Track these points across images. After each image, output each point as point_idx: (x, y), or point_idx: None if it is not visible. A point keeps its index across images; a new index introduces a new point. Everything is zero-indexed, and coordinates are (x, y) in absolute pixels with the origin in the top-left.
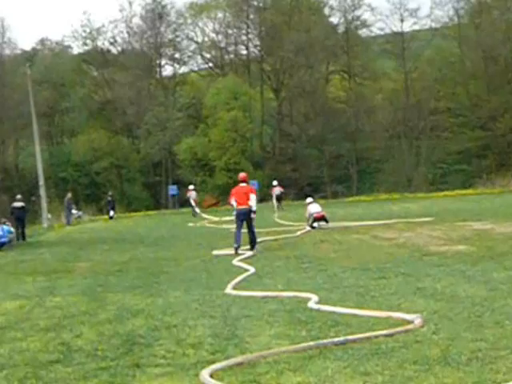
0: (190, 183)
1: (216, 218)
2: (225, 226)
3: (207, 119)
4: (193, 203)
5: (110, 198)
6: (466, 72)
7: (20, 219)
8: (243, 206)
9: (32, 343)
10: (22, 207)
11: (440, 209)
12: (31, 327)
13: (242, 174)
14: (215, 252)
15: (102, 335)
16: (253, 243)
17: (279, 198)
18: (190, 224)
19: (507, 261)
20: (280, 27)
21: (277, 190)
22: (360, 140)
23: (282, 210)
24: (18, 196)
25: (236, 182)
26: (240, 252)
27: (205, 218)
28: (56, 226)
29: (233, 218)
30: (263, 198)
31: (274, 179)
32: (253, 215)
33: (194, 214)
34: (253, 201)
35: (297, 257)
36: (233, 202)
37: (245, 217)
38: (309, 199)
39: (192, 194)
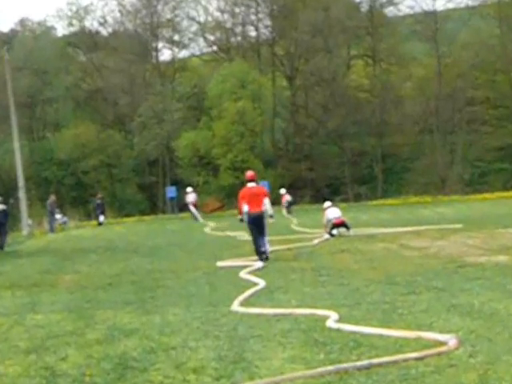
0: (190, 185)
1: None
2: (229, 233)
3: (211, 111)
4: (191, 208)
5: (98, 201)
6: (507, 57)
7: (1, 224)
8: (256, 210)
9: (11, 367)
10: (3, 210)
11: (478, 213)
12: (9, 349)
13: (249, 173)
14: (220, 263)
15: (90, 358)
16: (260, 253)
17: (289, 207)
18: (207, 229)
19: None
20: (294, 5)
21: (286, 199)
22: (386, 135)
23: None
24: None
25: (243, 183)
26: (247, 263)
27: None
28: (37, 233)
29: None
30: (274, 201)
31: (281, 187)
32: (271, 220)
33: (196, 219)
34: (268, 204)
35: (313, 269)
36: (245, 207)
37: (259, 222)
38: (327, 203)
39: (190, 197)
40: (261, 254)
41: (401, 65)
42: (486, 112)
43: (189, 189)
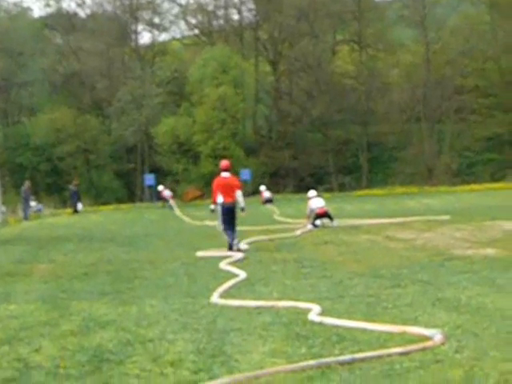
0: (165, 176)
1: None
2: (208, 222)
3: (191, 96)
4: (171, 202)
5: (74, 189)
6: (497, 44)
7: None
8: (230, 201)
9: None
10: None
11: (465, 205)
12: None
13: (224, 162)
14: (199, 253)
15: (64, 350)
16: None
17: (266, 204)
18: (186, 218)
19: None
20: None
21: (265, 196)
22: (372, 123)
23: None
24: None
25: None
26: (229, 253)
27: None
28: (11, 221)
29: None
30: (256, 190)
31: (260, 184)
32: (242, 213)
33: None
34: (240, 197)
35: (296, 260)
36: (220, 198)
37: (232, 214)
38: (311, 192)
39: (166, 194)
40: (232, 246)
41: (388, 51)
42: (475, 101)
43: (160, 187)
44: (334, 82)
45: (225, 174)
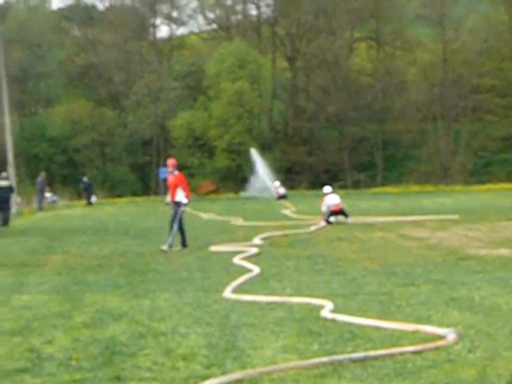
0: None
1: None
2: (222, 217)
3: (208, 90)
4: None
5: (88, 181)
6: None
7: (4, 201)
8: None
9: None
10: (7, 187)
11: (480, 205)
12: None
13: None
14: (213, 248)
15: (77, 342)
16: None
17: (280, 200)
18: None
19: None
20: None
21: (280, 191)
22: (388, 121)
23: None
24: (3, 174)
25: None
26: (243, 249)
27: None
28: (26, 212)
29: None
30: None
31: (276, 180)
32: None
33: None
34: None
35: (310, 257)
36: (182, 196)
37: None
38: (327, 188)
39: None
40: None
41: (405, 49)
42: (492, 100)
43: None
44: (350, 79)
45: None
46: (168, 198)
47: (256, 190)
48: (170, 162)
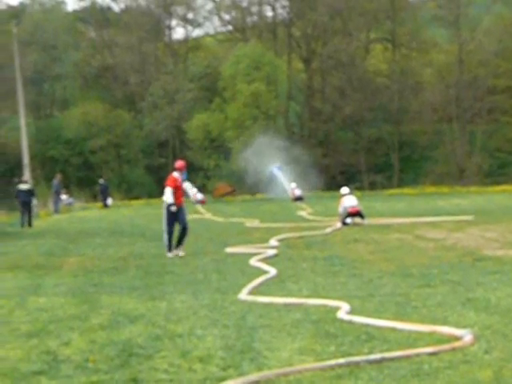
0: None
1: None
2: (237, 219)
3: (224, 92)
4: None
5: (104, 183)
6: None
7: (26, 203)
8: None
9: (12, 351)
10: (29, 190)
11: (496, 206)
12: (10, 332)
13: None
14: (229, 249)
15: (93, 343)
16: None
17: (296, 201)
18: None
19: None
20: None
21: (296, 193)
22: (404, 122)
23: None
24: (24, 178)
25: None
26: (259, 250)
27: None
28: (42, 214)
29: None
30: None
31: (293, 182)
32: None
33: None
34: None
35: (326, 258)
36: (172, 198)
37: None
38: (344, 189)
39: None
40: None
41: (421, 50)
42: (508, 101)
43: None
44: (366, 80)
45: (177, 174)
46: (193, 198)
47: (273, 192)
48: (183, 164)
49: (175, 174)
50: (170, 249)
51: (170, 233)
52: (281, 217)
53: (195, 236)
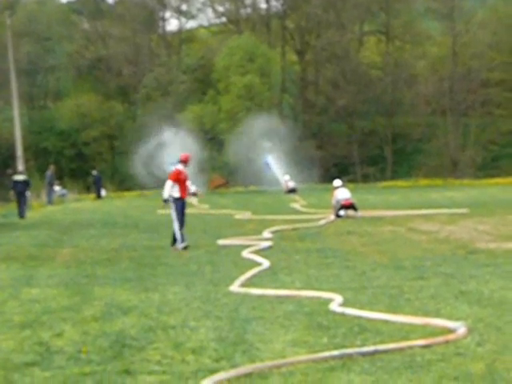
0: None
1: None
2: (230, 211)
3: (217, 84)
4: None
5: (96, 174)
6: None
7: (21, 194)
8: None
9: (4, 342)
10: (24, 181)
11: (489, 198)
12: (3, 323)
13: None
14: (221, 242)
15: (86, 335)
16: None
17: (289, 193)
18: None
19: None
20: None
21: (290, 185)
22: (398, 114)
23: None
24: (20, 168)
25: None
26: (251, 243)
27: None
28: (35, 205)
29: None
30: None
31: (286, 174)
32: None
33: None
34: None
35: (319, 250)
36: (178, 192)
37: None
38: (337, 182)
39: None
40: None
41: (415, 42)
42: (501, 94)
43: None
44: (360, 72)
45: (182, 167)
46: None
47: (267, 184)
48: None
49: (179, 167)
50: (182, 240)
51: (182, 224)
52: (274, 209)
53: (188, 227)
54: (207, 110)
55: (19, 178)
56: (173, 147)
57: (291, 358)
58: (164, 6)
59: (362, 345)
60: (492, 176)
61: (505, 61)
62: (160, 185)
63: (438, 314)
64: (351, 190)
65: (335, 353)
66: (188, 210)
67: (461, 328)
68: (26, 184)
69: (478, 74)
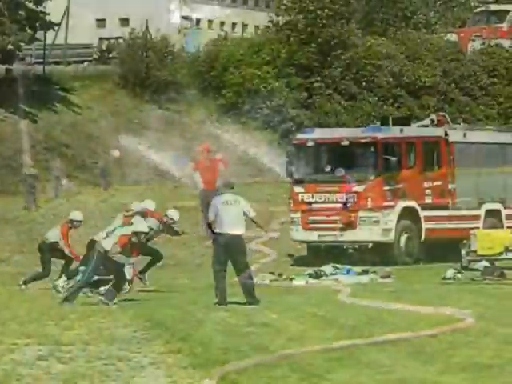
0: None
1: None
2: None
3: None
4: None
5: (103, 167)
6: None
7: (32, 187)
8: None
9: None
10: (34, 175)
11: None
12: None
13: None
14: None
15: None
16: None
17: None
18: None
19: None
20: None
21: None
22: None
23: None
24: (29, 162)
25: None
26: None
27: None
28: (42, 199)
29: None
30: None
31: None
32: None
33: None
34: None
35: None
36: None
37: None
38: None
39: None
40: None
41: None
42: None
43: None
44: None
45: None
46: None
47: None
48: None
49: (201, 157)
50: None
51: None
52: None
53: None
54: None
55: (30, 171)
56: None
57: (299, 349)
58: None
59: (371, 335)
60: None
61: None
62: None
63: (444, 304)
64: None
65: (343, 343)
66: None
67: (467, 318)
68: (35, 177)
69: None
